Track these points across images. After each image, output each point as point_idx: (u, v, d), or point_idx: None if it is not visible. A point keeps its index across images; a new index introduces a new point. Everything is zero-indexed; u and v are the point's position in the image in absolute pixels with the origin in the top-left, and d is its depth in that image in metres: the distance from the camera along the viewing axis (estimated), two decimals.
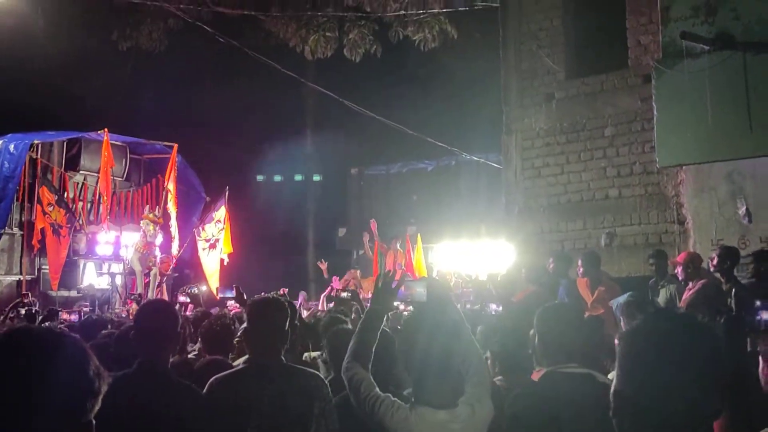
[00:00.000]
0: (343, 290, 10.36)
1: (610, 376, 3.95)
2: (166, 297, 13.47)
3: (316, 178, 25.23)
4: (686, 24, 9.38)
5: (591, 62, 11.32)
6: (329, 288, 14.47)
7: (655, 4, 10.00)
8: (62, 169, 16.72)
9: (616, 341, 1.96)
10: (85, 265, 16.38)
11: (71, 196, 16.86)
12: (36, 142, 16.10)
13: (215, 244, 16.10)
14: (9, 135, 15.61)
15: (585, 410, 2.97)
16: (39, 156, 16.21)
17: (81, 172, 16.86)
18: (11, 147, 15.19)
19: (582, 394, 3.09)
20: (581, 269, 8.73)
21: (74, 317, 9.60)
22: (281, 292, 11.64)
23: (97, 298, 14.54)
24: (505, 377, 4.07)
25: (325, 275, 16.86)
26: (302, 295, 15.39)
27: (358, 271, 16.57)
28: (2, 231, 15.07)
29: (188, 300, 11.33)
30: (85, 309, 12.04)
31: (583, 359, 3.43)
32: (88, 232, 16.19)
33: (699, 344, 1.80)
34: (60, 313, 9.34)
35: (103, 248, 15.64)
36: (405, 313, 7.37)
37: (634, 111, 10.67)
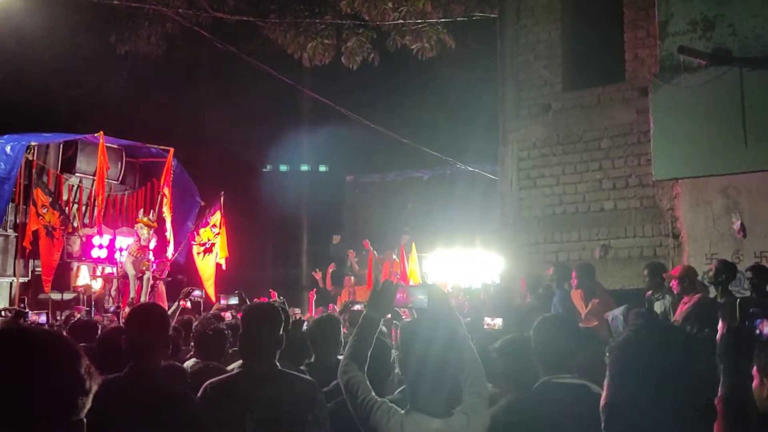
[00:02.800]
0: (356, 302, 10.34)
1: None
2: (163, 301, 13.41)
3: (320, 166, 25.02)
4: (683, 38, 9.43)
5: (588, 74, 11.36)
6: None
7: (652, 18, 10.05)
8: (58, 171, 16.68)
9: (606, 353, 1.97)
10: (78, 267, 16.34)
11: (66, 198, 16.82)
12: (33, 143, 16.07)
13: (211, 248, 16.08)
14: (6, 136, 15.57)
15: (579, 421, 2.97)
16: (35, 158, 16.17)
17: (77, 174, 16.82)
18: (7, 148, 15.14)
19: (576, 405, 3.09)
20: (575, 281, 8.76)
21: (42, 318, 9.54)
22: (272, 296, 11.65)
23: (90, 301, 14.50)
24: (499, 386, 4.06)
25: (320, 284, 16.84)
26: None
27: (353, 278, 16.56)
28: None
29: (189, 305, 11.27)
30: (77, 313, 12.03)
31: (577, 370, 3.44)
32: (82, 235, 16.15)
33: (688, 355, 1.81)
34: (29, 314, 9.29)
35: (98, 251, 15.61)
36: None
37: (630, 124, 10.71)
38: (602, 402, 1.89)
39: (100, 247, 15.73)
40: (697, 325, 4.61)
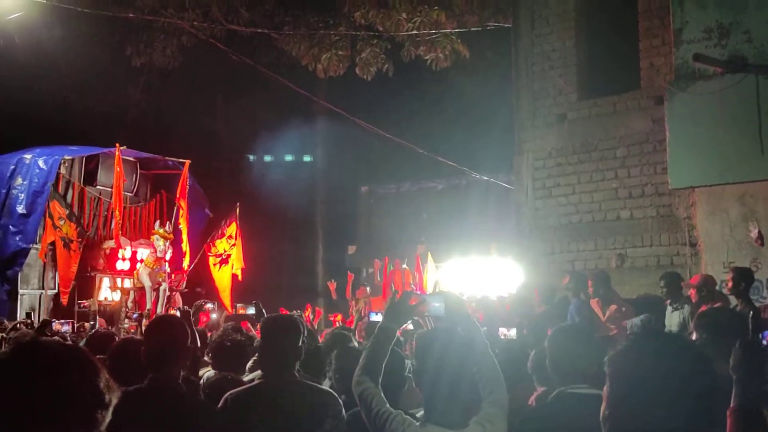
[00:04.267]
0: (374, 313, 10.34)
1: None
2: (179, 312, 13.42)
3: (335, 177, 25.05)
4: (699, 46, 9.40)
5: (603, 83, 11.33)
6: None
7: (668, 26, 10.03)
8: (82, 184, 16.80)
9: (606, 363, 1.96)
10: (101, 280, 16.45)
11: (87, 211, 16.92)
12: (66, 157, 16.25)
13: (227, 259, 16.11)
14: (37, 150, 15.75)
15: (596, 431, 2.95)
16: (61, 171, 16.31)
17: (97, 187, 16.94)
18: (40, 162, 15.35)
19: (593, 416, 3.06)
20: (591, 290, 8.72)
21: (66, 328, 9.60)
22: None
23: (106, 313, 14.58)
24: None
25: (334, 296, 16.85)
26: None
27: (368, 288, 16.55)
28: (30, 246, 15.12)
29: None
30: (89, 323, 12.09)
31: (594, 380, 3.41)
32: (106, 247, 16.24)
33: (686, 364, 1.80)
34: (53, 323, 9.33)
35: (122, 264, 15.69)
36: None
37: (646, 132, 10.66)
38: (602, 412, 1.88)
39: (123, 259, 15.81)
40: (704, 334, 4.56)
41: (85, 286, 16.02)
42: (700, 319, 5.06)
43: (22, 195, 15.01)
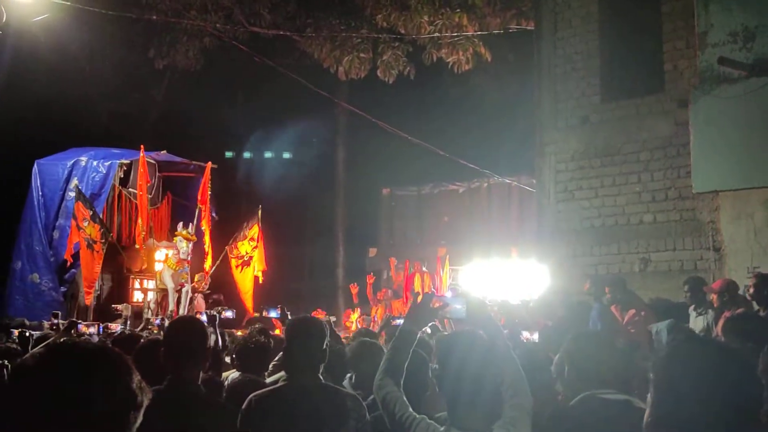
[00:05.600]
0: (396, 317, 10.33)
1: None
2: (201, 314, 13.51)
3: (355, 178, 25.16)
4: (724, 49, 9.33)
5: (626, 86, 11.26)
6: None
7: (692, 29, 9.95)
8: (120, 186, 16.98)
9: (650, 368, 1.94)
10: (133, 281, 16.64)
11: (124, 212, 17.11)
12: (124, 161, 16.50)
13: (249, 261, 16.16)
14: (92, 151, 16.03)
15: None
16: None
17: (129, 189, 17.10)
18: (99, 165, 15.73)
19: (621, 421, 3.04)
20: (609, 296, 8.68)
21: (92, 329, 9.66)
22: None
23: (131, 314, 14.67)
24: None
25: (355, 300, 16.88)
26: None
27: (389, 291, 16.57)
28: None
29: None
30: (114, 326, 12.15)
31: (619, 385, 3.38)
32: (144, 247, 16.40)
33: (733, 370, 1.78)
34: (79, 325, 9.39)
35: (158, 265, 15.79)
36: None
37: (670, 135, 10.58)
38: (646, 419, 1.86)
39: (158, 261, 15.93)
40: (738, 340, 4.52)
41: (119, 287, 16.27)
42: (728, 324, 5.02)
43: None
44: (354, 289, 17.02)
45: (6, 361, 4.36)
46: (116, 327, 11.52)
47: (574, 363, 3.41)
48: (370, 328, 11.03)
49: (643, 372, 4.17)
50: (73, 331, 7.90)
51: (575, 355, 3.42)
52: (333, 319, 14.71)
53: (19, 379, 1.58)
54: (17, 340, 7.90)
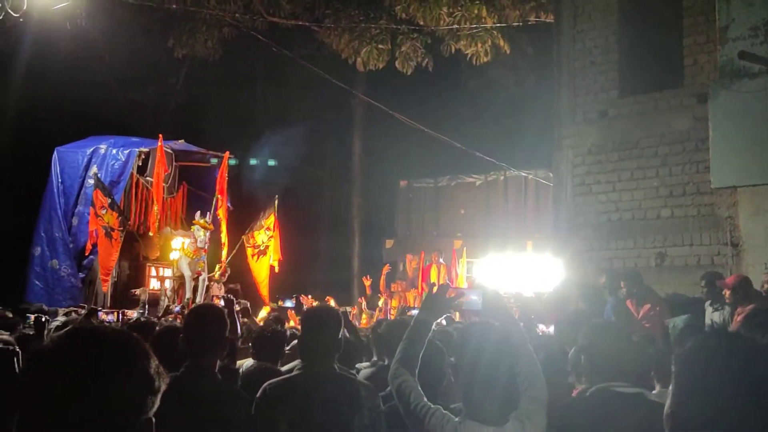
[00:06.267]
0: (411, 308, 10.36)
1: (654, 392, 3.92)
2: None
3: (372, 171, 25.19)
4: (744, 44, 9.27)
5: (645, 80, 11.20)
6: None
7: (712, 23, 9.89)
8: (137, 175, 17.09)
9: (673, 361, 1.93)
10: (150, 269, 16.78)
11: (141, 200, 17.22)
12: (143, 149, 16.61)
13: (265, 251, 16.23)
14: (111, 139, 16.15)
15: (636, 429, 2.94)
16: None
17: (147, 178, 17.21)
18: (119, 153, 15.82)
19: (633, 414, 3.05)
20: (624, 290, 8.66)
21: (110, 317, 9.75)
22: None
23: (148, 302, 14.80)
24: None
25: (368, 291, 16.89)
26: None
27: (405, 283, 16.58)
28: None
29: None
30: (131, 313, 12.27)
31: (633, 378, 3.39)
32: (161, 235, 16.53)
33: (759, 365, 1.77)
34: (99, 312, 9.48)
35: (175, 254, 15.93)
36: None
37: (688, 130, 10.51)
38: (667, 410, 1.86)
39: (174, 250, 16.05)
40: (760, 335, 4.50)
41: (135, 274, 16.40)
42: (750, 319, 5.00)
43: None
44: (367, 281, 17.02)
45: (16, 347, 4.44)
46: (133, 314, 11.64)
47: (590, 355, 3.41)
48: (372, 320, 11.05)
49: (657, 366, 4.20)
50: (92, 318, 7.97)
51: (591, 347, 3.43)
52: (353, 310, 14.76)
53: (39, 363, 1.60)
54: (33, 325, 7.98)
